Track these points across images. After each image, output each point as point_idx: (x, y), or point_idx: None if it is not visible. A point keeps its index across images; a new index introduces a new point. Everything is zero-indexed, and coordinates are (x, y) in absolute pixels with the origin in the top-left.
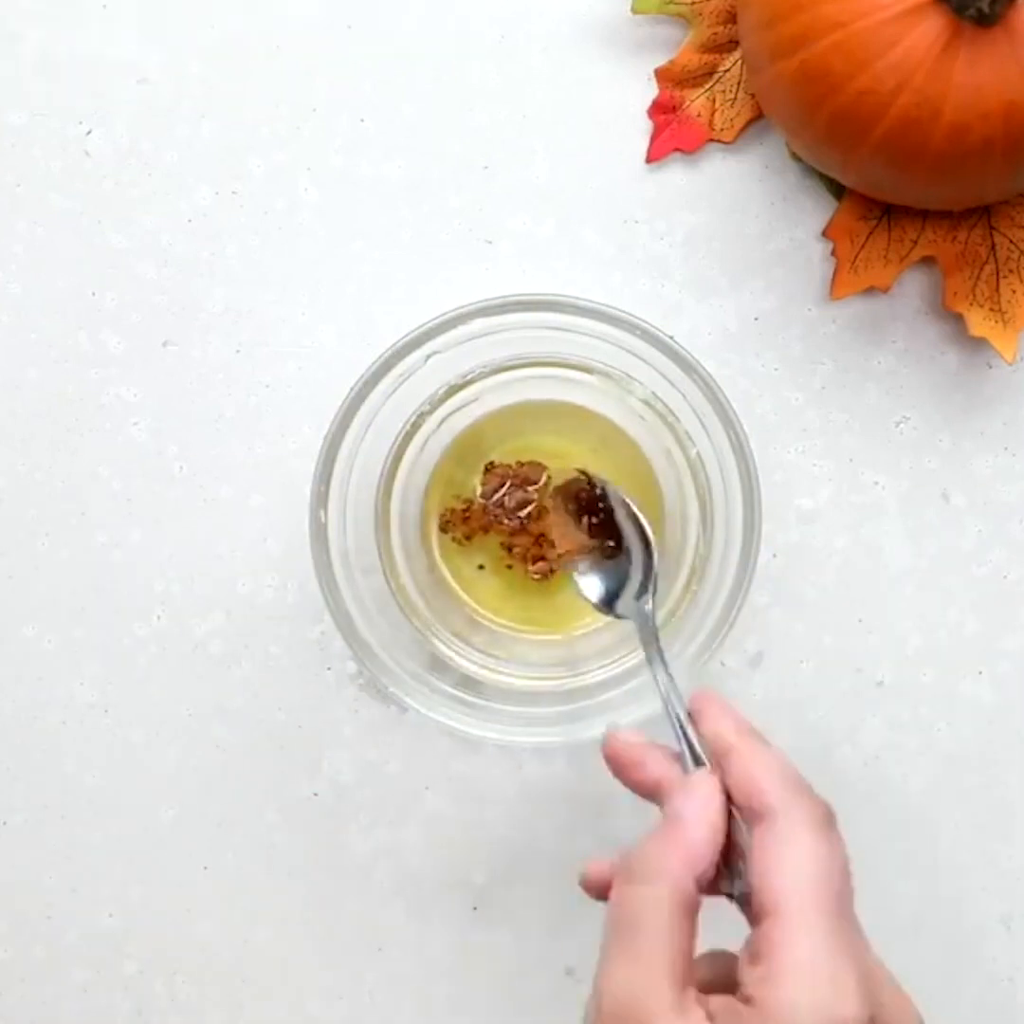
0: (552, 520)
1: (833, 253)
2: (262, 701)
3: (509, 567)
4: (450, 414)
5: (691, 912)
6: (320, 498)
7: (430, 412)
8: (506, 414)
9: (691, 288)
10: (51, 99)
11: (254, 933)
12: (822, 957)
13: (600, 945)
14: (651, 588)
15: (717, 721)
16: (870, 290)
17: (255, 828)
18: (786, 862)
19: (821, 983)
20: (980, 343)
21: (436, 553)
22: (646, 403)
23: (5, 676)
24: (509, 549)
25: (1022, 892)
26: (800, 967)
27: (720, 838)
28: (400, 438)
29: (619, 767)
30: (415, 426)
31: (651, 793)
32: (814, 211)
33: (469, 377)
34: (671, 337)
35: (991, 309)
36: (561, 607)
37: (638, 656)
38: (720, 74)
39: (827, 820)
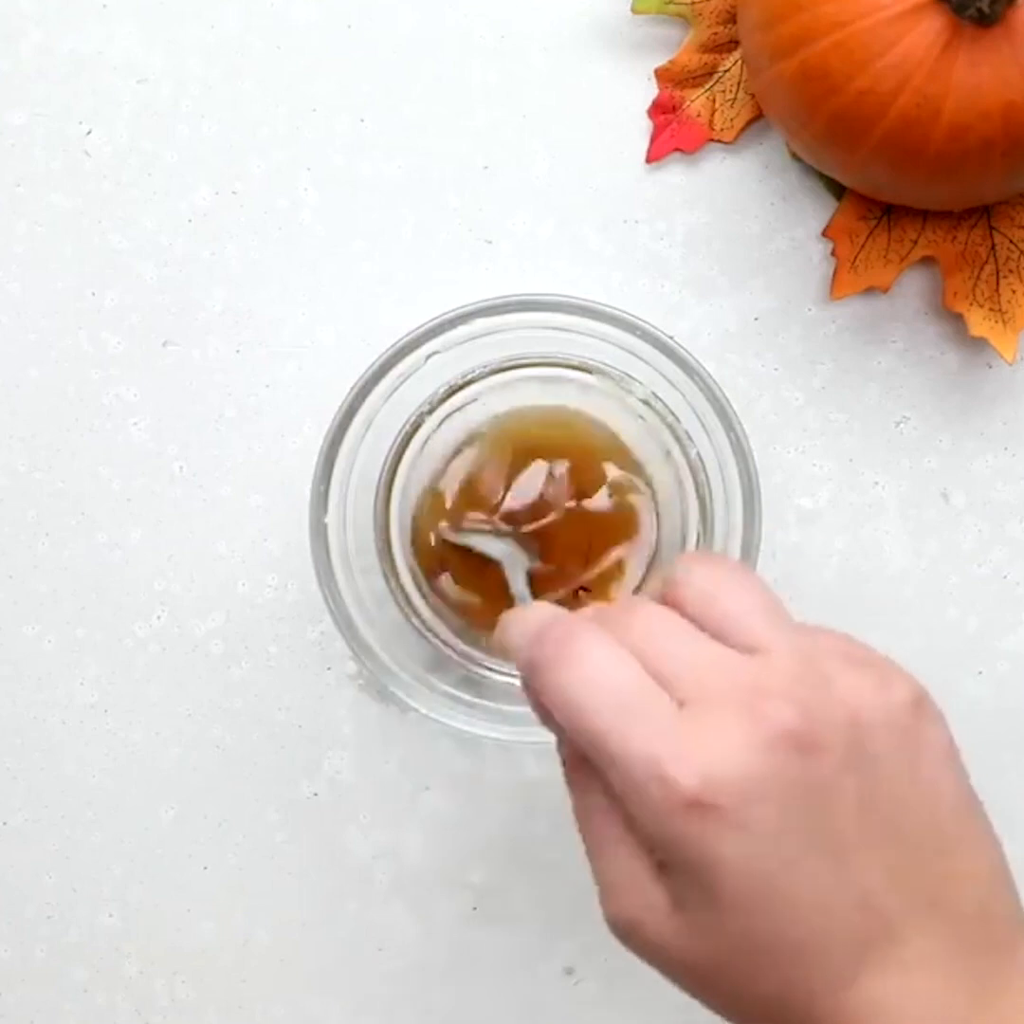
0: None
1: (833, 253)
2: (262, 701)
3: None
4: (450, 414)
5: None
6: (320, 498)
7: (430, 412)
8: (506, 414)
9: (691, 288)
10: (51, 99)
11: (254, 933)
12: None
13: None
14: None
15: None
16: (870, 290)
17: (255, 828)
18: (552, 712)
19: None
20: (980, 343)
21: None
22: (646, 403)
23: (5, 676)
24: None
25: (1022, 892)
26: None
27: None
28: (400, 438)
29: None
30: (415, 426)
31: None
32: (814, 211)
33: (469, 377)
34: (671, 337)
35: (991, 309)
36: (562, 606)
37: None
38: (720, 74)
39: (538, 640)
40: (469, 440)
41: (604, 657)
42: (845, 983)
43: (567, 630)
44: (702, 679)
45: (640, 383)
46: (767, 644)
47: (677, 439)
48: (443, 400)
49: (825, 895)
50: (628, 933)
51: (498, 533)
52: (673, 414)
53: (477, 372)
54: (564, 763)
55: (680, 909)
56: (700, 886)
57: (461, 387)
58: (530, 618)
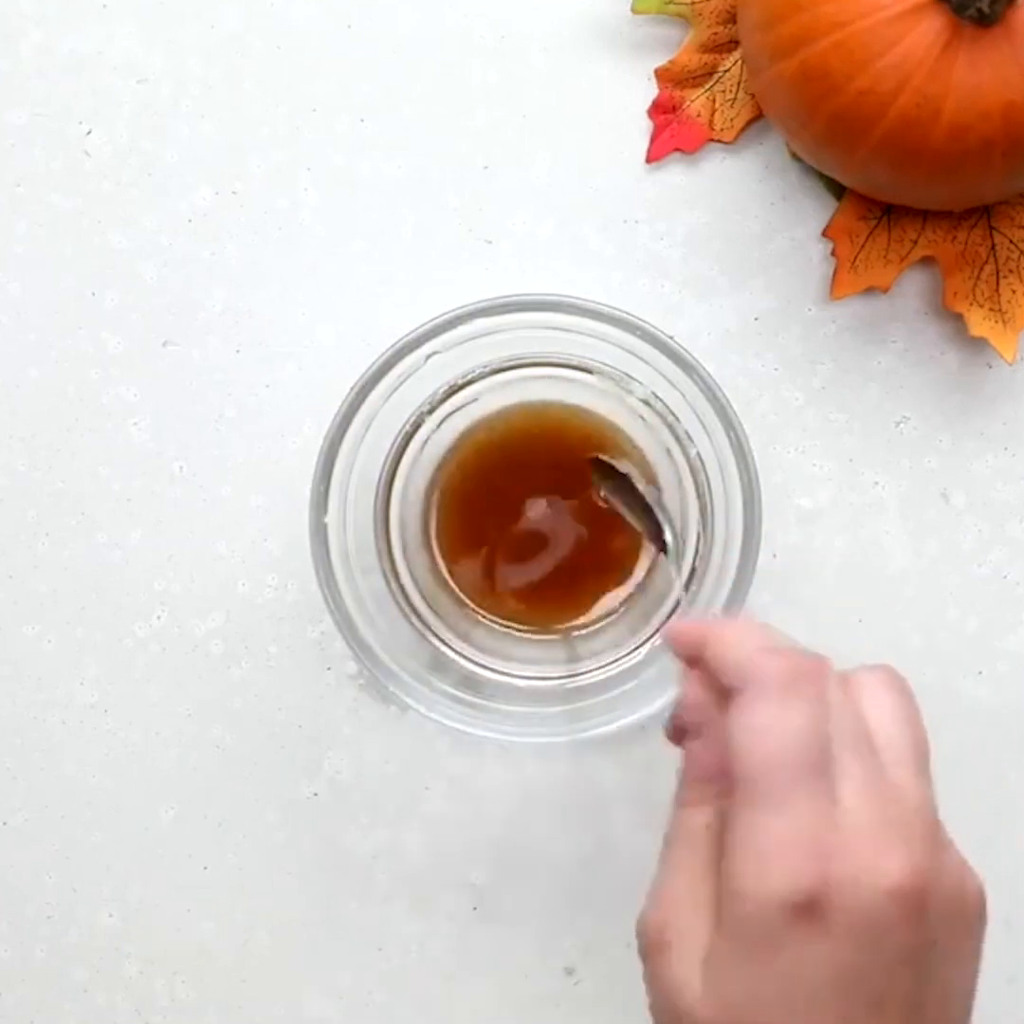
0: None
1: (833, 253)
2: (262, 701)
3: (512, 571)
4: (450, 414)
5: None
6: (320, 498)
7: (430, 412)
8: (506, 414)
9: (691, 288)
10: (51, 99)
11: (254, 933)
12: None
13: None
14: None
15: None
16: (870, 290)
17: (255, 828)
18: (739, 739)
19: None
20: (980, 343)
21: (436, 553)
22: (646, 403)
23: (5, 676)
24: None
25: (1022, 892)
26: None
27: None
28: (400, 438)
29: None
30: (415, 426)
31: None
32: (814, 211)
33: (469, 377)
34: (671, 337)
35: (991, 309)
36: (562, 607)
37: (638, 656)
38: (720, 74)
39: (786, 683)
40: (471, 432)
41: (816, 718)
42: None
43: (814, 669)
44: (864, 800)
45: (640, 383)
46: (910, 788)
47: (677, 439)
48: (443, 400)
49: None
50: (653, 947)
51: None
52: (673, 414)
53: (477, 372)
54: (687, 762)
55: (711, 960)
56: (747, 956)
57: (461, 387)
58: (764, 640)
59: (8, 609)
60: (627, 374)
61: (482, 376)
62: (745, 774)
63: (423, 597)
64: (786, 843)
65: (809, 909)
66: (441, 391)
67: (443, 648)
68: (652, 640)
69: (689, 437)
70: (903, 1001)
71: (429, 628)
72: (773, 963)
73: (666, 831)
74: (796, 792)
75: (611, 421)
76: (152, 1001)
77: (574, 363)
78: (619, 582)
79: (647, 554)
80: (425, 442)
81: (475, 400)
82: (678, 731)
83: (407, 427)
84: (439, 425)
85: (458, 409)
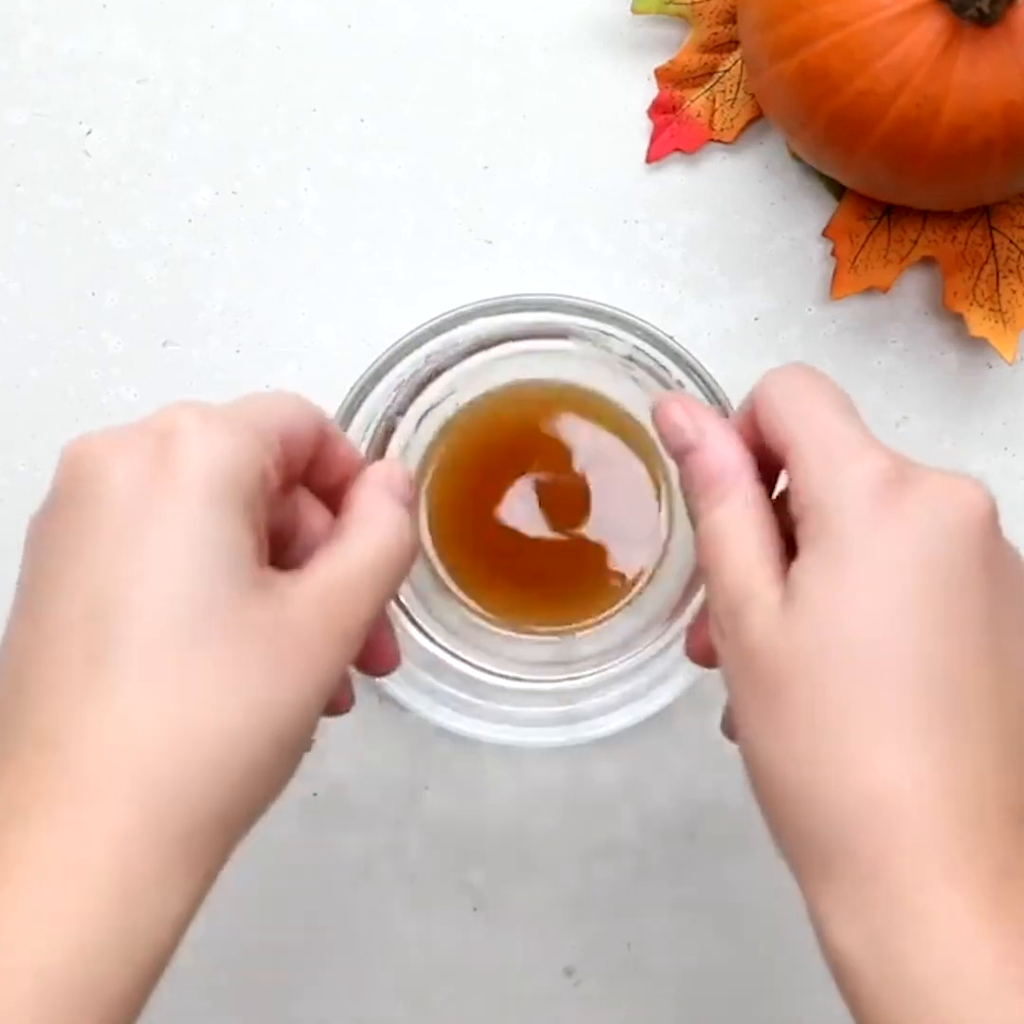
0: None
1: (833, 253)
2: None
3: (509, 566)
4: (427, 411)
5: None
6: None
7: (401, 414)
8: (486, 403)
9: (691, 288)
10: (51, 99)
11: (254, 933)
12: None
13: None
14: None
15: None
16: (870, 290)
17: (255, 828)
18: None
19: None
20: (980, 343)
21: (431, 554)
22: (630, 359)
23: None
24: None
25: None
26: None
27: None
28: (371, 449)
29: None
30: (388, 432)
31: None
32: (814, 211)
33: (437, 365)
34: (671, 337)
35: (991, 309)
36: (561, 609)
37: (637, 659)
38: (720, 74)
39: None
40: (452, 427)
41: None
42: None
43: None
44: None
45: (619, 339)
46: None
47: (670, 390)
48: (414, 396)
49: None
50: (734, 610)
51: None
52: (663, 366)
53: (448, 357)
54: (693, 476)
55: (791, 591)
56: (831, 564)
57: (432, 378)
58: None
59: (8, 609)
60: (603, 332)
61: (453, 362)
62: (790, 422)
63: (420, 598)
64: (856, 441)
65: (897, 486)
66: (404, 394)
67: (440, 651)
68: (653, 641)
69: (680, 386)
70: (983, 622)
71: (424, 633)
72: (858, 560)
73: (699, 548)
74: (850, 417)
75: (599, 392)
76: (153, 1001)
77: (547, 332)
78: (618, 582)
79: (646, 552)
80: (406, 447)
81: (453, 392)
82: (677, 456)
83: (379, 433)
84: (417, 426)
85: (436, 405)
